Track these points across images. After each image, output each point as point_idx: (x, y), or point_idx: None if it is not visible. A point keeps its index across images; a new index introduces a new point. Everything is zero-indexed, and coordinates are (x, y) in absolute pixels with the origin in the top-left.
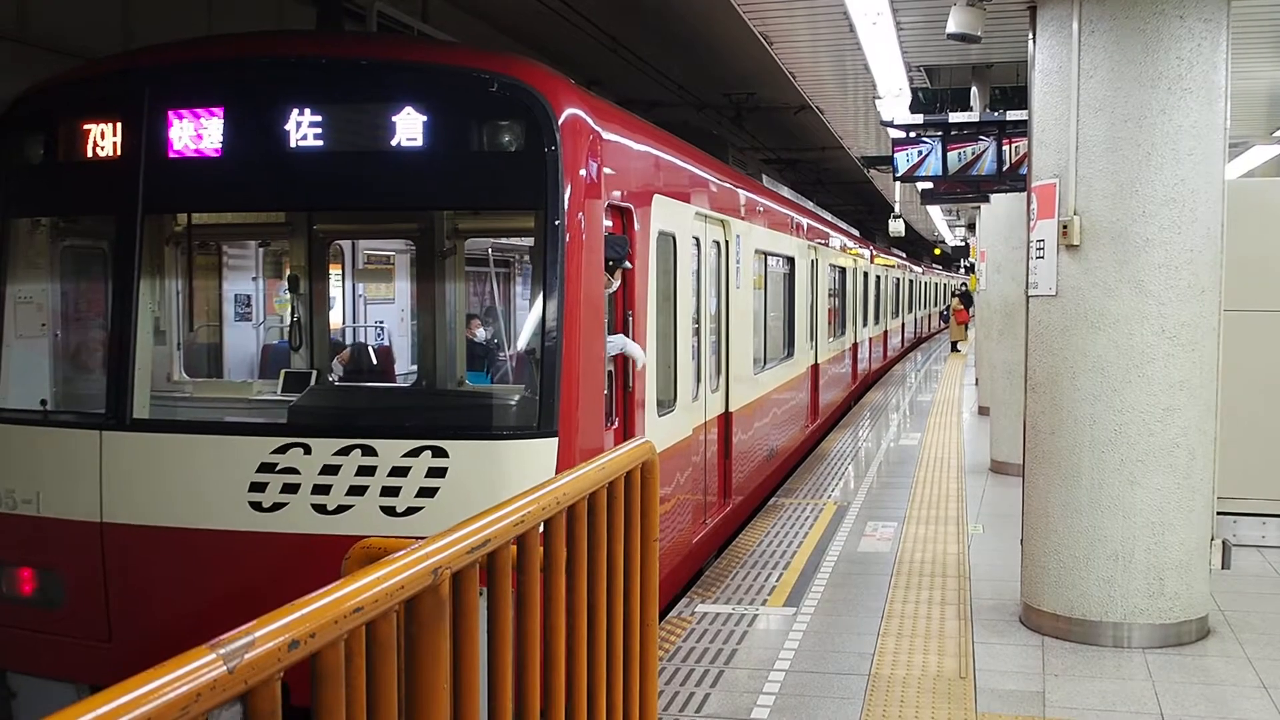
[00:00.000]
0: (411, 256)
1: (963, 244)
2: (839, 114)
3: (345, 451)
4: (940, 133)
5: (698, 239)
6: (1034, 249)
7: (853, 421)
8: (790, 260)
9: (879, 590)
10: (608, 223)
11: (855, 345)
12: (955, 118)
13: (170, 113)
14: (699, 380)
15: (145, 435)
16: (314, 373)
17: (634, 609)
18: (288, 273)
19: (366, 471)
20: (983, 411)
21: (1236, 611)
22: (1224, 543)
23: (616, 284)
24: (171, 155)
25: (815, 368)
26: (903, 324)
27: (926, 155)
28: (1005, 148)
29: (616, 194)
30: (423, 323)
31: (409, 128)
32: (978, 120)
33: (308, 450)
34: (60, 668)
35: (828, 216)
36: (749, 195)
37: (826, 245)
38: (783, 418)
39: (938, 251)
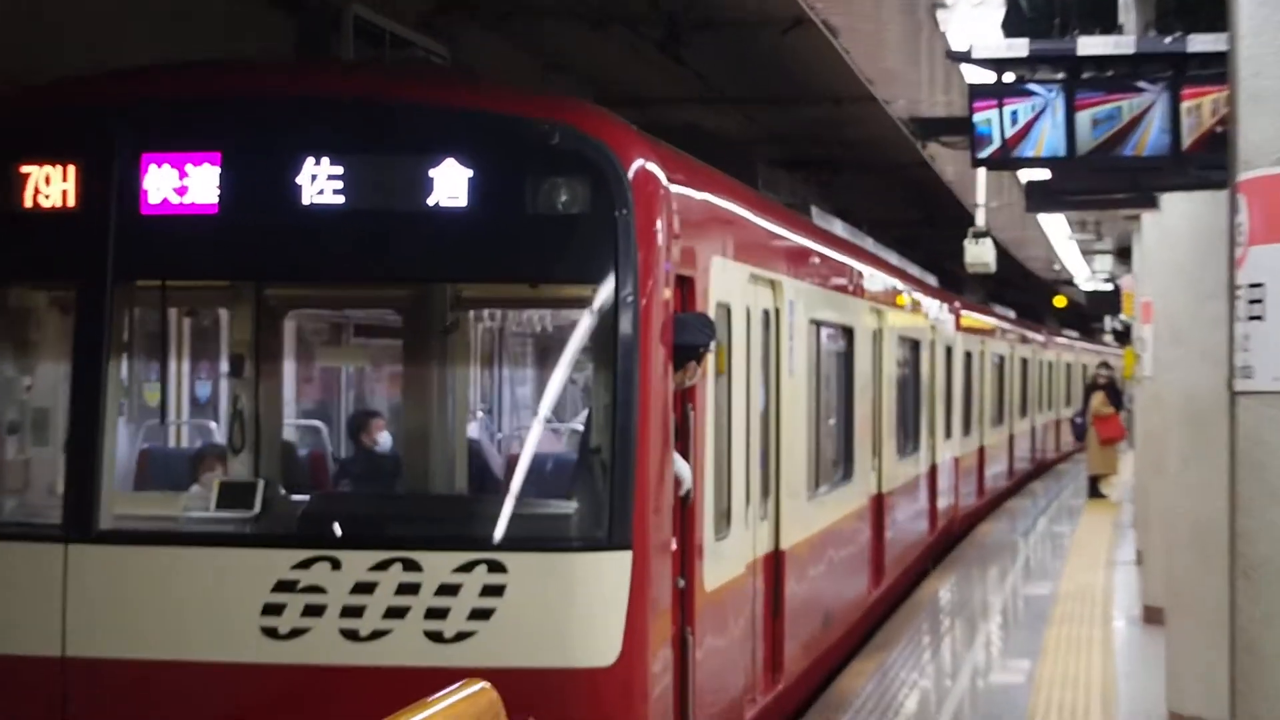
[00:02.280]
0: (400, 331)
1: (1107, 286)
2: (865, 36)
3: (383, 566)
4: (1062, 75)
5: (748, 308)
6: (1246, 300)
7: (915, 619)
8: (848, 332)
9: None
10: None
11: (934, 469)
12: (1088, 46)
13: (149, 158)
14: (748, 501)
15: (121, 549)
16: (260, 482)
17: None
18: (228, 351)
19: (408, 590)
20: (1151, 618)
21: None
22: None
23: (698, 377)
24: (150, 211)
25: (879, 500)
26: (1009, 437)
27: (1036, 118)
28: (1184, 105)
29: (680, 259)
30: (412, 419)
31: (450, 184)
32: (1132, 53)
33: (336, 565)
34: None
35: (893, 259)
36: (801, 241)
37: (894, 305)
38: (839, 570)
39: (1060, 302)
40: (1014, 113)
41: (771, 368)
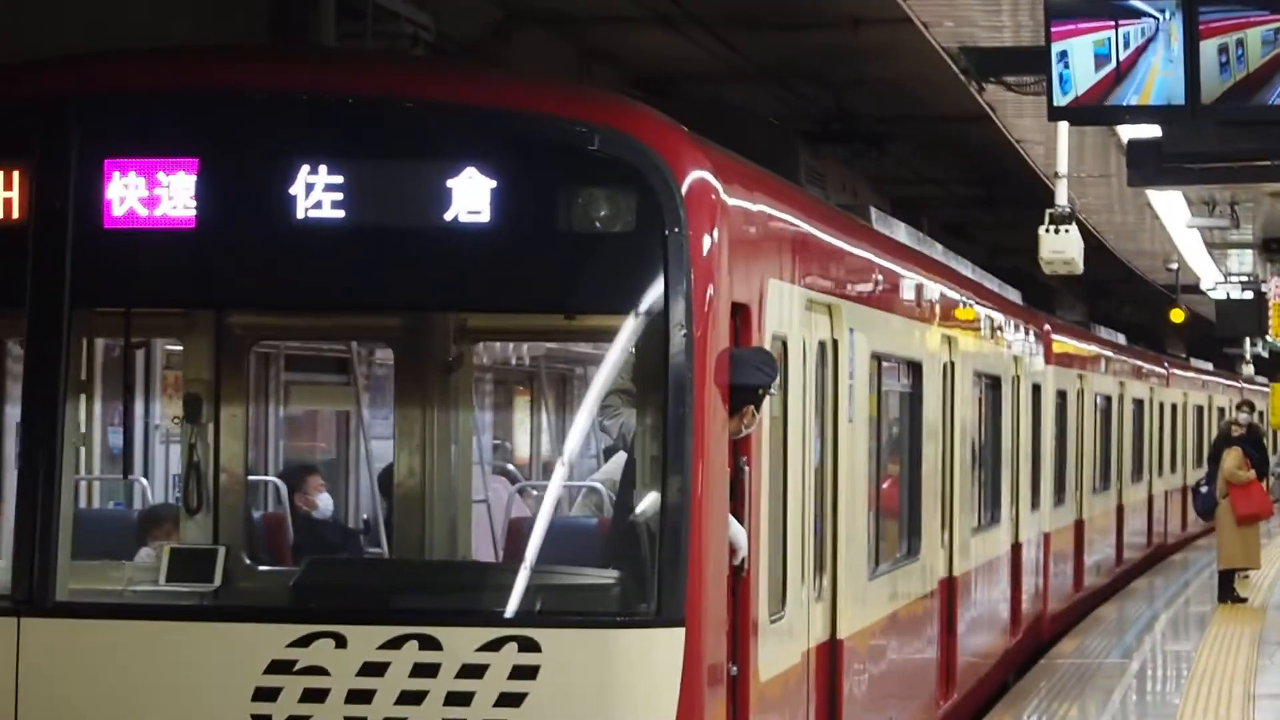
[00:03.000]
0: (390, 368)
1: (1246, 294)
2: None
3: (395, 644)
4: None
5: (804, 341)
6: None
7: None
8: (916, 368)
9: None
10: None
11: (1018, 547)
12: None
13: (112, 163)
14: (803, 577)
15: (82, 623)
16: (221, 550)
17: None
18: (183, 391)
19: (426, 671)
20: None
21: None
22: None
23: (755, 424)
24: (113, 225)
25: (950, 583)
26: (1117, 506)
27: (1143, 48)
28: None
29: (736, 285)
30: (406, 469)
31: (470, 197)
32: None
33: (341, 642)
34: None
35: (965, 270)
36: (862, 253)
37: (970, 328)
38: (904, 675)
39: (1178, 316)
40: (1110, 40)
41: (828, 413)
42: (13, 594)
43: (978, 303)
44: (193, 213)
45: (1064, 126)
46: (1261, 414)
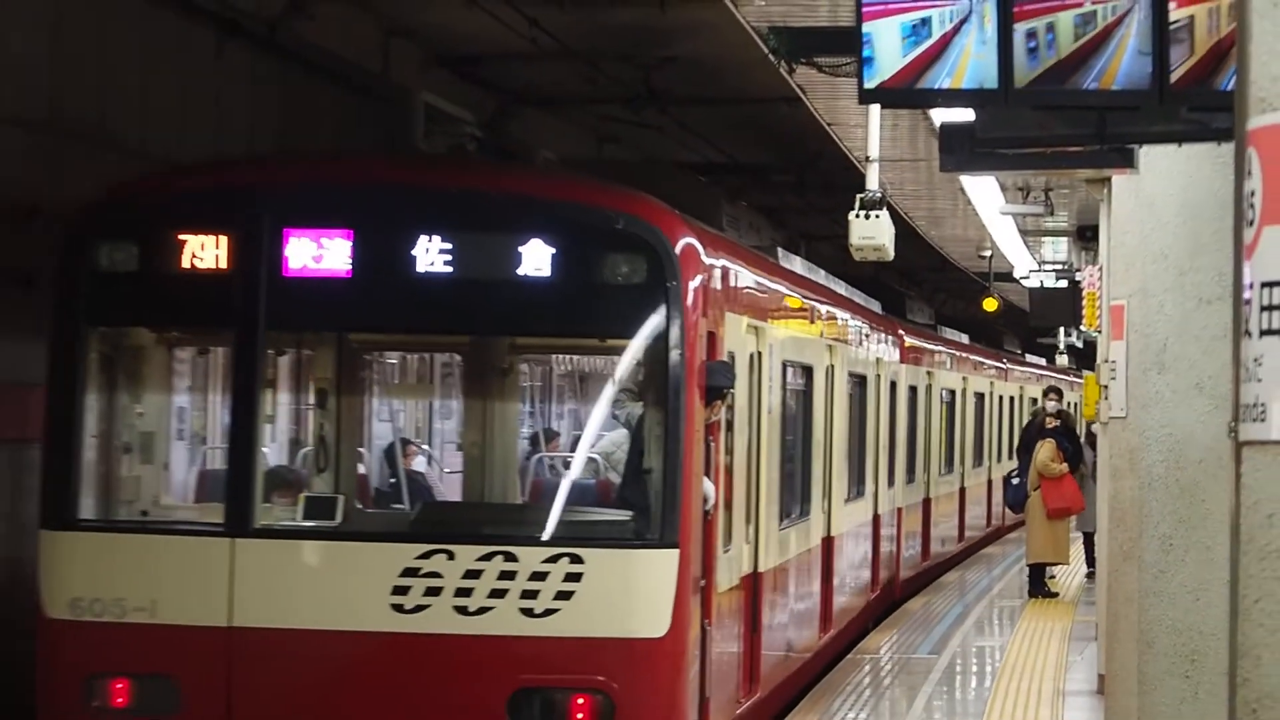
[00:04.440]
0: (458, 373)
1: (1060, 283)
2: None
3: (488, 558)
4: None
5: (745, 354)
6: (1259, 305)
7: None
8: (807, 371)
9: None
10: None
11: (878, 518)
12: None
13: (289, 231)
14: (741, 525)
15: (273, 543)
16: (339, 499)
17: None
18: (314, 386)
19: (507, 576)
20: None
21: None
22: None
23: (720, 413)
24: (291, 274)
25: (829, 541)
26: (960, 489)
27: (956, 30)
28: (1175, 14)
29: (710, 317)
30: (469, 446)
31: (535, 259)
32: None
33: (450, 556)
34: None
35: (840, 288)
36: (774, 286)
37: (843, 337)
38: (797, 609)
39: (990, 305)
40: (922, 21)
41: (755, 406)
42: (225, 523)
43: (850, 316)
44: (345, 267)
45: (875, 109)
46: (1074, 404)
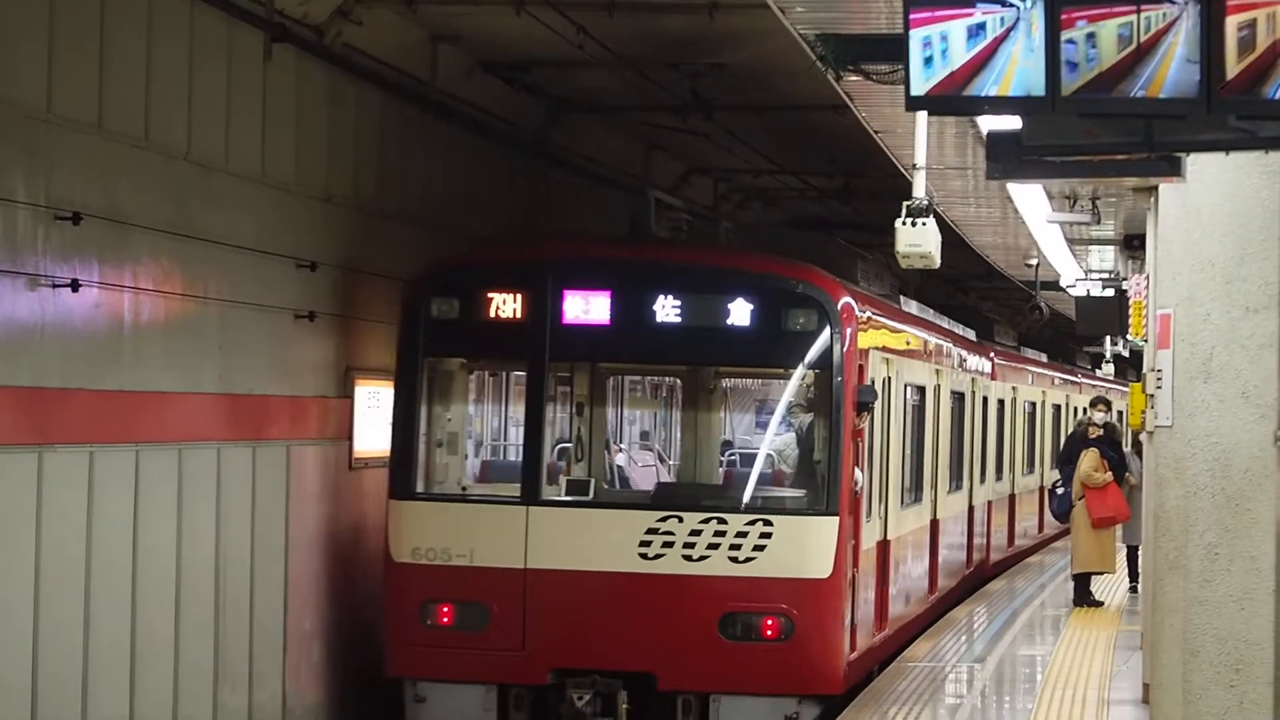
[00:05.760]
0: (678, 390)
1: (1107, 292)
2: None
3: (706, 522)
4: None
5: (882, 379)
6: None
7: None
8: (921, 390)
9: None
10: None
11: (973, 509)
12: None
13: (567, 290)
14: (877, 502)
15: (556, 509)
16: (591, 480)
17: None
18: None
19: (720, 534)
20: None
21: None
22: None
23: (866, 423)
24: (567, 322)
25: (935, 523)
26: (1040, 486)
27: (1004, 37)
28: (1229, 20)
29: (860, 353)
30: (686, 439)
31: (739, 313)
32: None
33: (680, 520)
34: (482, 672)
35: (945, 323)
36: (901, 326)
37: (948, 361)
38: (913, 573)
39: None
40: (971, 29)
41: (886, 417)
42: (522, 496)
43: (951, 344)
44: (605, 318)
45: (922, 117)
46: (1121, 414)
